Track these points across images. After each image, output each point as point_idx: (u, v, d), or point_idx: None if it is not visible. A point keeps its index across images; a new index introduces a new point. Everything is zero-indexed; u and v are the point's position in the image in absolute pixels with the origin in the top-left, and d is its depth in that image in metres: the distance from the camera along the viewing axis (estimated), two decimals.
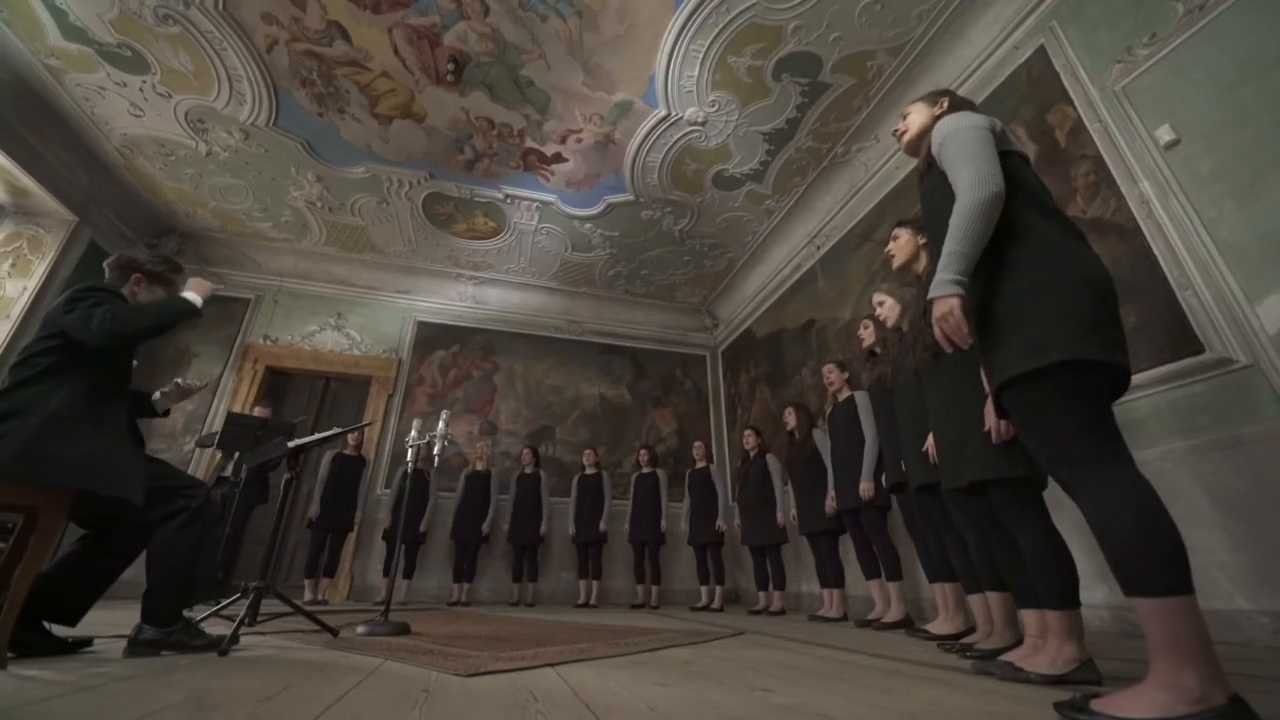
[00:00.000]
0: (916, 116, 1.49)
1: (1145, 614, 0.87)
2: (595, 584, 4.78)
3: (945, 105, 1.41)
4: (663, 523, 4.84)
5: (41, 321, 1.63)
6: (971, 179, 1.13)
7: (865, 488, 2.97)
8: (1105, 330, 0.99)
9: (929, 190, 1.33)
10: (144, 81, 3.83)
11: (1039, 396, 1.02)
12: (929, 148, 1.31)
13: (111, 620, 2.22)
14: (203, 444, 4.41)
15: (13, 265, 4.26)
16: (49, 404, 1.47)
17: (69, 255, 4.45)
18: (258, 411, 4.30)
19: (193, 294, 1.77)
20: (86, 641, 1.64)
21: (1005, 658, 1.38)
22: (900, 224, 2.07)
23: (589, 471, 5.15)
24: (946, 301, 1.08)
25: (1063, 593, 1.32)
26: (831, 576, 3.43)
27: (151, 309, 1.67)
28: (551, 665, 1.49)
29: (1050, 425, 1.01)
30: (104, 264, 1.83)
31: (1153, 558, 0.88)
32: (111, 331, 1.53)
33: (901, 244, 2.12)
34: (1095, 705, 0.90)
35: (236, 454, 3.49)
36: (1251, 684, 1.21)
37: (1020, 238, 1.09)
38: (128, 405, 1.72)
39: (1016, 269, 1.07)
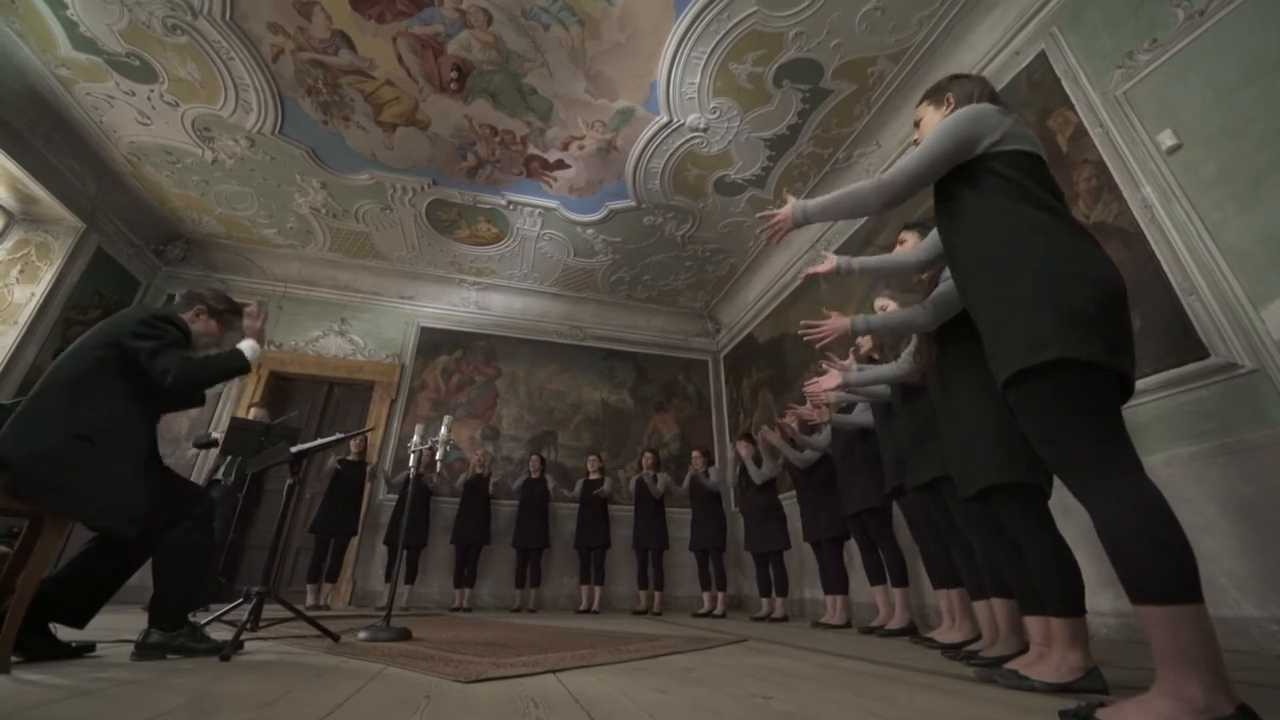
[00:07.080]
0: (927, 123, 1.42)
1: (1151, 622, 0.86)
2: (598, 590, 4.76)
3: (951, 103, 1.35)
4: (665, 528, 4.82)
5: (97, 328, 1.66)
6: (889, 178, 1.24)
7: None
8: (1107, 334, 0.97)
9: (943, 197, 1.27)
10: (152, 91, 3.88)
11: (1041, 396, 1.00)
12: None
13: (118, 625, 2.23)
14: (200, 444, 4.42)
15: (21, 271, 4.30)
16: (72, 420, 1.49)
17: (76, 262, 4.49)
18: (253, 414, 4.33)
19: (249, 347, 1.86)
20: (90, 646, 1.65)
21: (1009, 665, 1.37)
22: (907, 227, 2.01)
23: (593, 477, 5.15)
24: (789, 207, 1.41)
25: (1068, 599, 1.30)
26: (835, 583, 3.41)
27: (213, 365, 1.75)
28: (553, 672, 1.48)
29: (1054, 427, 0.99)
30: (175, 294, 1.93)
31: (1159, 565, 0.86)
32: (174, 384, 1.63)
33: (908, 248, 2.11)
34: (1100, 715, 0.89)
35: (229, 458, 3.52)
36: (1259, 693, 1.20)
37: (1026, 237, 1.08)
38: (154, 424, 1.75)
39: (1021, 268, 1.06)
